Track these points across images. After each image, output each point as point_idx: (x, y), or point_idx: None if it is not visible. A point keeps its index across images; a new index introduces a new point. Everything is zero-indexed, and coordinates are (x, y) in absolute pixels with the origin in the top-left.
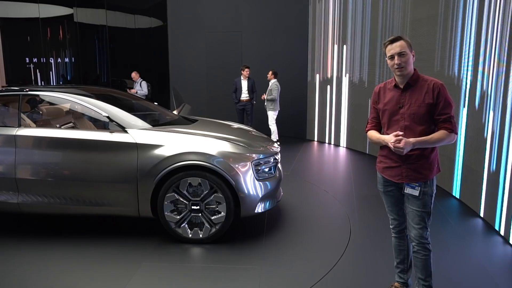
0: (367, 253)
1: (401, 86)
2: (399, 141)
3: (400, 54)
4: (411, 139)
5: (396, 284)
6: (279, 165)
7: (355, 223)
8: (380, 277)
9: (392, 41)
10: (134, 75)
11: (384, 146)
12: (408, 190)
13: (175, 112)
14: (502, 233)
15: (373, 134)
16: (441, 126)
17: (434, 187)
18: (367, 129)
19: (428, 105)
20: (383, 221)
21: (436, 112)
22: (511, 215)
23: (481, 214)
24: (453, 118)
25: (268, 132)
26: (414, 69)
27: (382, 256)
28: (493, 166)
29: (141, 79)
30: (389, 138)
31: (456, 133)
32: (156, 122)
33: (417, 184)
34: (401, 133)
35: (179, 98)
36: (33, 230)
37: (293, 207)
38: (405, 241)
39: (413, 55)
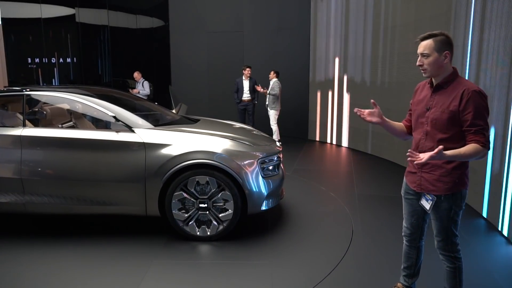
0: (369, 252)
1: (433, 87)
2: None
3: (423, 55)
4: (447, 152)
5: (399, 284)
6: (281, 164)
7: (357, 222)
8: (382, 277)
9: (422, 39)
10: (136, 75)
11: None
12: (422, 201)
13: (173, 111)
14: (505, 233)
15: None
16: (472, 138)
17: (455, 204)
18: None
19: (452, 112)
20: (384, 221)
21: (465, 122)
22: None
23: (484, 214)
24: (486, 131)
25: (269, 132)
26: (454, 69)
27: (384, 256)
28: (496, 166)
29: (143, 79)
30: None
31: (489, 148)
32: (159, 122)
33: (431, 198)
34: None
35: (176, 98)
36: (42, 231)
37: (295, 206)
38: (415, 250)
39: (445, 56)
